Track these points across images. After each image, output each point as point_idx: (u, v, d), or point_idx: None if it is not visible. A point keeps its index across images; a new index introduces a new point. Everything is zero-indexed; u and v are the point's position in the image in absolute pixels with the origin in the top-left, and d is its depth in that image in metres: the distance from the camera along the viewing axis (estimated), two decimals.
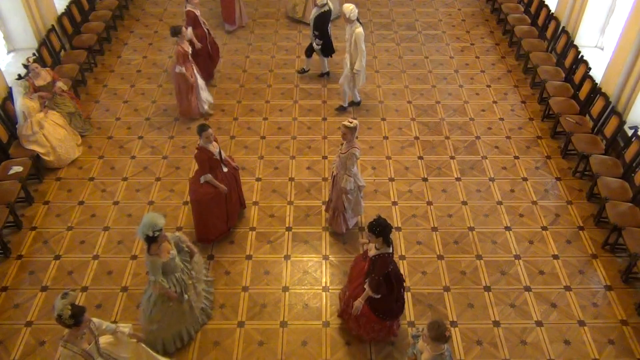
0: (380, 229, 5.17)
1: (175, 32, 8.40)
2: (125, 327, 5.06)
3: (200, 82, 8.92)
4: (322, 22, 9.22)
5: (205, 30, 9.45)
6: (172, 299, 5.54)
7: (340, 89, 9.20)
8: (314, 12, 9.35)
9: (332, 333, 6.12)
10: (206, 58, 9.53)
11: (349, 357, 5.89)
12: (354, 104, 9.35)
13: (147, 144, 8.64)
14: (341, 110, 9.24)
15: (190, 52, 8.62)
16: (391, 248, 5.32)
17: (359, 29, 8.33)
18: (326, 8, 9.20)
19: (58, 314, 4.44)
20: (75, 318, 4.46)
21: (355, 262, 5.96)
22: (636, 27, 7.62)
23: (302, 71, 10.06)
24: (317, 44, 9.43)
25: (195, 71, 8.75)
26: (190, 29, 9.07)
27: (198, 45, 9.18)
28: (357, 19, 8.37)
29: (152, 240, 5.21)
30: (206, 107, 9.07)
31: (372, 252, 5.38)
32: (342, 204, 6.76)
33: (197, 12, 9.28)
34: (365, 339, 5.94)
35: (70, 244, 7.09)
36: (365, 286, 5.43)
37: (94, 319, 4.79)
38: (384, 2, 12.33)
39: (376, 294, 5.39)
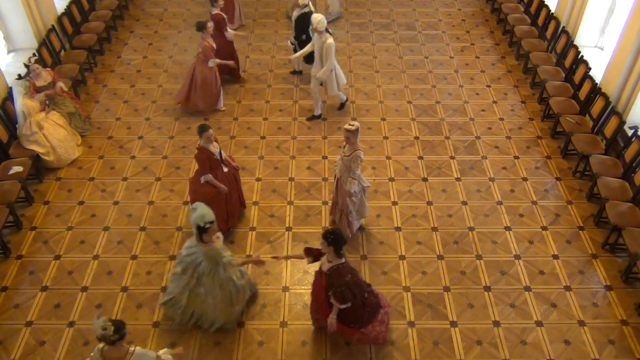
0: (334, 237, 5.12)
1: (201, 27, 8.56)
2: (167, 354, 4.95)
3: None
4: (304, 22, 9.22)
5: (228, 32, 9.44)
6: (259, 263, 6.01)
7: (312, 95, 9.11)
8: (295, 13, 9.37)
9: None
10: (230, 60, 9.49)
11: (349, 357, 5.89)
12: (341, 105, 9.26)
13: (147, 144, 8.65)
14: (313, 119, 9.08)
15: (215, 47, 8.78)
16: (343, 259, 5.27)
17: (330, 40, 8.24)
18: (307, 9, 9.22)
19: (102, 332, 4.40)
20: (119, 331, 4.44)
21: (315, 278, 5.79)
22: (636, 27, 7.62)
23: (295, 72, 10.11)
24: (292, 43, 9.48)
25: (228, 63, 9.04)
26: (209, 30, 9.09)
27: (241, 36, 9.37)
28: (327, 30, 8.31)
29: (203, 230, 5.40)
30: (221, 104, 9.23)
31: (326, 267, 5.32)
32: (348, 206, 6.76)
33: (224, 15, 9.35)
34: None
35: (70, 244, 7.09)
36: (332, 300, 5.33)
37: (138, 348, 4.70)
38: (384, 2, 12.33)
39: (343, 304, 5.29)
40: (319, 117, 9.11)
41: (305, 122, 9.02)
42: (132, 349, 4.60)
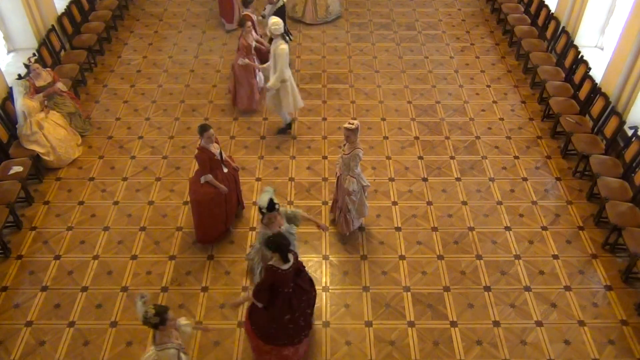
0: (274, 245, 5.05)
1: (242, 22, 8.58)
2: (186, 322, 5.04)
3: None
4: (279, 17, 9.01)
5: (259, 35, 9.31)
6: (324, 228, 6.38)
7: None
8: (269, 9, 9.35)
9: (332, 333, 6.12)
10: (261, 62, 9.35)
11: (349, 357, 5.89)
12: (282, 129, 8.74)
13: (147, 144, 8.64)
14: (282, 133, 8.74)
15: (253, 45, 8.76)
16: (288, 267, 5.12)
17: (283, 46, 7.82)
18: (280, 3, 9.25)
19: (143, 315, 4.48)
20: (160, 315, 4.49)
21: None
22: (636, 27, 7.61)
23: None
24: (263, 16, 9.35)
25: (256, 65, 8.90)
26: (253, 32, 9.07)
27: (267, 46, 8.98)
28: (282, 35, 7.90)
29: (263, 213, 5.72)
30: (256, 106, 9.22)
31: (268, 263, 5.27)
32: (347, 205, 6.77)
33: (254, 17, 9.21)
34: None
35: (70, 244, 7.09)
36: (249, 291, 5.30)
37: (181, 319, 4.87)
38: (384, 2, 12.33)
39: (255, 299, 5.21)
40: (289, 127, 8.73)
41: (305, 122, 9.02)
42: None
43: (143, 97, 9.60)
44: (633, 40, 7.66)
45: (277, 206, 5.73)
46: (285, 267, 5.12)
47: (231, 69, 9.07)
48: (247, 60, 8.64)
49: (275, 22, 7.88)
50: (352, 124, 6.28)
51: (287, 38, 8.50)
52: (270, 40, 8.18)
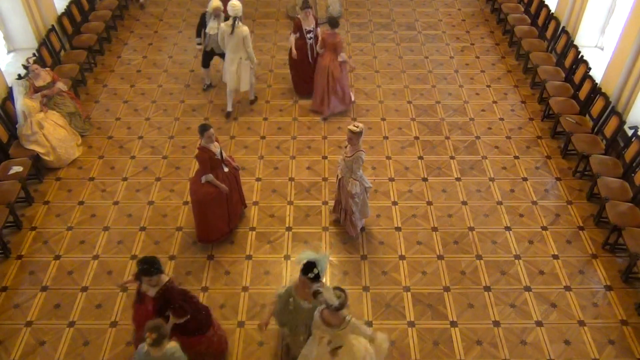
0: (147, 267, 4.92)
1: (336, 24, 8.63)
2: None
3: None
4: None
5: (307, 42, 9.04)
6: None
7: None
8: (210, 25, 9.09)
9: None
10: (305, 68, 9.25)
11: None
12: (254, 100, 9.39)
13: (147, 144, 8.64)
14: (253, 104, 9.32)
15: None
16: (167, 277, 5.15)
17: (245, 27, 8.43)
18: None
19: (335, 301, 4.60)
20: (342, 298, 4.66)
21: (135, 309, 5.45)
22: (636, 27, 7.61)
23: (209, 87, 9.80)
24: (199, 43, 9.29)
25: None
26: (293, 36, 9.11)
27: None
28: (240, 18, 8.39)
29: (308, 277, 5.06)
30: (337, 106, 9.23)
31: (153, 291, 5.09)
32: (351, 207, 6.77)
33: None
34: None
35: (70, 244, 7.09)
36: (172, 319, 5.11)
37: (353, 319, 4.86)
38: (384, 2, 12.33)
39: (185, 316, 5.16)
40: (229, 114, 9.11)
41: (305, 122, 9.02)
42: (348, 318, 4.80)
43: (143, 97, 9.60)
44: (633, 40, 7.66)
45: (318, 276, 5.00)
46: (168, 277, 5.18)
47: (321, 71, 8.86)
48: (344, 55, 8.72)
49: (236, 5, 8.23)
50: (357, 126, 6.24)
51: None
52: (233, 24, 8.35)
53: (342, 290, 4.70)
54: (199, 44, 9.29)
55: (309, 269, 4.97)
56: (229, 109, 9.10)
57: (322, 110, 9.08)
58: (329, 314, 4.75)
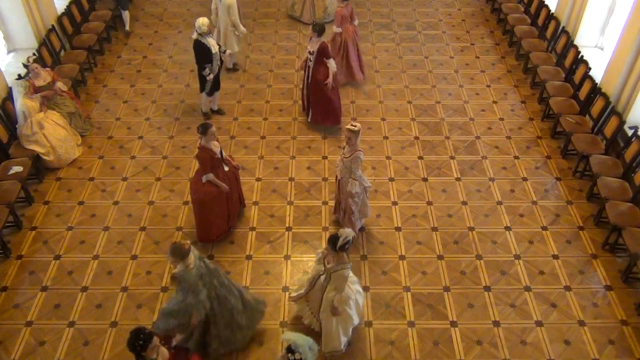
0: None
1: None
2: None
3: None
4: (201, 51, 8.37)
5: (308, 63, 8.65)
6: None
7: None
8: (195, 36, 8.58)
9: None
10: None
11: (349, 357, 5.88)
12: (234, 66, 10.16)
13: (147, 144, 8.65)
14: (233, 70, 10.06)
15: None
16: None
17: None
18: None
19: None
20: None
21: None
22: (636, 27, 7.62)
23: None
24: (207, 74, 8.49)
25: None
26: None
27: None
28: None
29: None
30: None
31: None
32: (350, 207, 6.77)
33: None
34: None
35: (70, 244, 7.09)
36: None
37: None
38: (384, 2, 12.33)
39: None
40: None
41: (305, 122, 9.01)
42: None
43: (143, 97, 9.60)
44: (633, 40, 7.67)
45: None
46: None
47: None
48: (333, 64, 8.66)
49: None
50: (355, 125, 6.26)
51: None
52: None
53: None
54: (209, 73, 8.42)
55: (292, 352, 4.43)
56: (205, 109, 9.10)
57: (357, 78, 9.68)
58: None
